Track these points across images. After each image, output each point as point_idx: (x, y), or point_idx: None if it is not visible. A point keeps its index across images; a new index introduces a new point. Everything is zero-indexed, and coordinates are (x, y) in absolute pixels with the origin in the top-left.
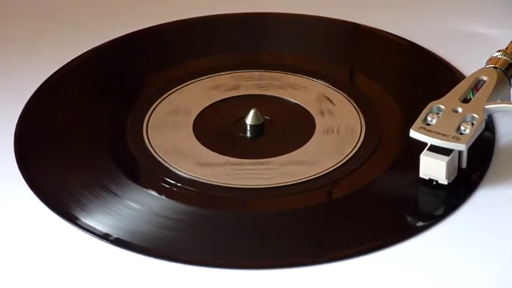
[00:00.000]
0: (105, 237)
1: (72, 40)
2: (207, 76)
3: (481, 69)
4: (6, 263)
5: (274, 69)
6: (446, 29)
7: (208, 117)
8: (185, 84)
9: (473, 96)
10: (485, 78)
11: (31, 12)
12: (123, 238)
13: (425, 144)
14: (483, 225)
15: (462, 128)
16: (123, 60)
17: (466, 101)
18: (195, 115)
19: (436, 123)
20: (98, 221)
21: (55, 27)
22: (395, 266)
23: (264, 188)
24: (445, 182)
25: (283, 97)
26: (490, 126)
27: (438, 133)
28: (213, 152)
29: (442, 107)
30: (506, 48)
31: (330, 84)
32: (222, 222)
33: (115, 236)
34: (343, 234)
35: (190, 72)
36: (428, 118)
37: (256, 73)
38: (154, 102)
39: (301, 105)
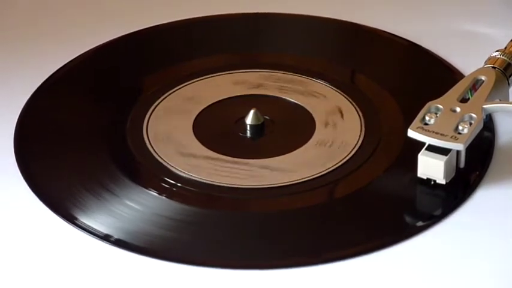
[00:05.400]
0: (105, 237)
1: (72, 40)
2: (206, 76)
3: (479, 69)
4: (6, 263)
5: (275, 70)
6: (446, 29)
7: (208, 117)
8: (185, 84)
9: (471, 96)
10: (483, 78)
11: (30, 12)
12: (122, 238)
13: (425, 144)
14: (482, 225)
15: (460, 127)
16: (123, 60)
17: (464, 100)
18: (195, 115)
19: (434, 123)
20: (97, 222)
21: (54, 27)
22: (395, 266)
23: (264, 188)
24: (443, 182)
25: (283, 97)
26: (490, 126)
27: (436, 133)
28: (213, 152)
29: (440, 106)
30: (505, 48)
31: (330, 84)
32: (222, 222)
33: (115, 236)
34: (342, 234)
35: (190, 72)
36: (426, 118)
37: (256, 73)
38: (154, 102)
39: (301, 105)
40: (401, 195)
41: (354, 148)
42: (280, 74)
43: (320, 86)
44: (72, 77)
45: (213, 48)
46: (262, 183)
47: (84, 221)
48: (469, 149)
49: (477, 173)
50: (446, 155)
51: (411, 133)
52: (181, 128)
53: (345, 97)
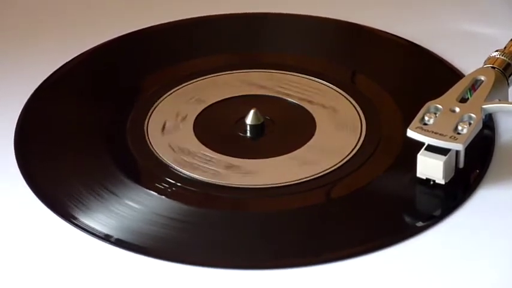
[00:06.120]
0: (105, 237)
1: (72, 40)
2: (207, 76)
3: (478, 69)
4: (6, 263)
5: (275, 69)
6: (446, 29)
7: (209, 117)
8: (185, 84)
9: (470, 96)
10: (483, 78)
11: (30, 13)
12: (123, 238)
13: (424, 144)
14: (482, 225)
15: (459, 127)
16: (123, 60)
17: (463, 100)
18: (196, 115)
19: (434, 123)
20: (97, 221)
21: (54, 27)
22: (394, 266)
23: (264, 188)
24: (442, 182)
25: (283, 97)
26: (490, 126)
27: (435, 133)
28: (213, 152)
29: (440, 106)
30: (505, 48)
31: (330, 84)
32: (222, 222)
33: (115, 236)
34: (342, 234)
35: (190, 72)
36: (426, 118)
37: (256, 73)
38: (154, 102)
39: (301, 105)
40: (401, 195)
41: (354, 148)
42: (280, 74)
43: (320, 86)
44: (72, 77)
45: (213, 48)
46: (262, 183)
47: (84, 221)
48: (469, 149)
49: (477, 173)
50: (445, 155)
51: (410, 133)
52: (182, 128)
53: (345, 97)
